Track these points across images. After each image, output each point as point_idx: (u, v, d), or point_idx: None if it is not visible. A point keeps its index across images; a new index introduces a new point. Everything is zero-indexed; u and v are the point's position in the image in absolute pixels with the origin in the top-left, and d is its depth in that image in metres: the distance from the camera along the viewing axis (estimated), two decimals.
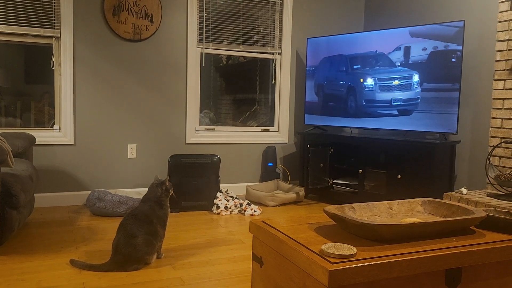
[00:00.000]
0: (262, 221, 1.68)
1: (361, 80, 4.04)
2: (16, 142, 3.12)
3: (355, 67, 4.09)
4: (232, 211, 3.73)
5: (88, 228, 3.18)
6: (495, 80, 3.41)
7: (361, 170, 3.93)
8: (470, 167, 3.73)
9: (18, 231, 3.03)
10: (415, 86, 3.71)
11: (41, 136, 3.74)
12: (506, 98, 3.33)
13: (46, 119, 3.92)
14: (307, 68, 4.47)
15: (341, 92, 4.20)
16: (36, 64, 3.89)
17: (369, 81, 3.99)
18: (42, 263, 2.47)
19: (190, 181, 3.77)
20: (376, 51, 3.93)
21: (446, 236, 1.51)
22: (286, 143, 4.75)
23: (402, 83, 3.78)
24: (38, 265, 2.43)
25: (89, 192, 3.83)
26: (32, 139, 3.35)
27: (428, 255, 1.33)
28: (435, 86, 3.59)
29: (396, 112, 3.83)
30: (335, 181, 4.21)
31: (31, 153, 3.45)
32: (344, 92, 4.18)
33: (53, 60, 3.80)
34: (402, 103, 3.79)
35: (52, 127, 3.86)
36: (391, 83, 3.85)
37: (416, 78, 3.70)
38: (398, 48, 3.80)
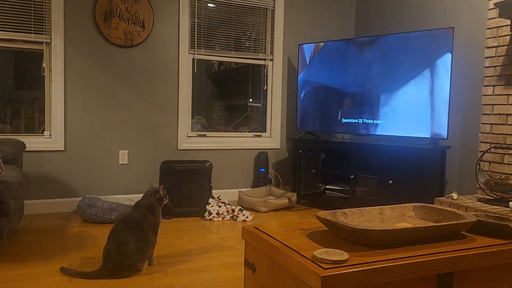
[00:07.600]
0: (254, 227, 1.67)
1: (351, 85, 4.07)
2: (6, 149, 3.10)
3: (345, 73, 4.12)
4: (224, 217, 3.72)
5: (78, 235, 3.15)
6: (484, 86, 3.45)
7: (353, 176, 3.94)
8: (460, 172, 3.76)
9: (7, 238, 3.00)
10: (404, 92, 3.73)
11: (31, 142, 3.70)
12: (495, 104, 3.36)
13: (37, 125, 3.89)
14: (298, 74, 4.49)
15: (332, 98, 4.22)
16: (27, 70, 3.86)
17: (359, 88, 4.01)
18: (32, 270, 2.44)
19: (182, 187, 3.76)
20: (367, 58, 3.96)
21: (438, 241, 1.52)
22: (278, 148, 4.76)
23: (391, 89, 3.81)
24: (28, 273, 2.40)
25: (80, 198, 3.79)
26: (22, 145, 3.33)
27: (419, 260, 1.34)
28: (425, 92, 3.61)
29: (386, 118, 3.85)
30: (327, 186, 4.21)
31: (21, 160, 3.42)
32: (336, 98, 4.20)
33: (44, 66, 3.78)
34: (392, 109, 3.81)
35: (43, 133, 3.83)
36: (381, 89, 3.87)
37: (405, 84, 3.73)
38: (388, 54, 3.83)
